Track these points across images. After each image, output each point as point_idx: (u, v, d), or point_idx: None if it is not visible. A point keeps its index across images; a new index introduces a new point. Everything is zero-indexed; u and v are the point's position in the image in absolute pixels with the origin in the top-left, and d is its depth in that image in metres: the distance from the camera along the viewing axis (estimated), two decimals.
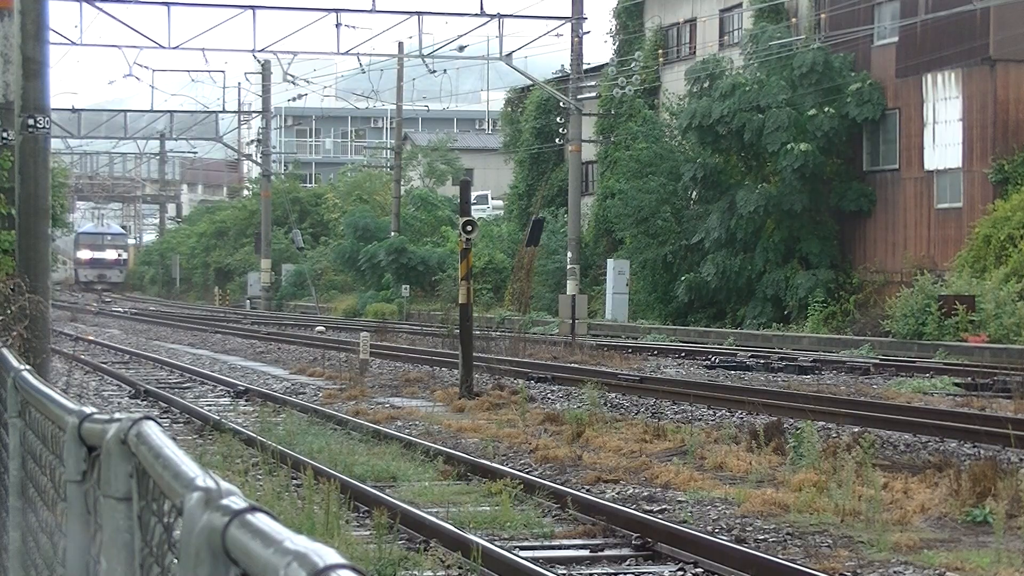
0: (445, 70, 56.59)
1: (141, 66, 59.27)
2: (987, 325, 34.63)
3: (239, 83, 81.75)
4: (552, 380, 27.23)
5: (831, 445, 16.21)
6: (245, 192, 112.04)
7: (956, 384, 25.55)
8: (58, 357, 28.32)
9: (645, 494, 14.53)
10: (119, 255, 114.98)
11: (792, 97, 44.26)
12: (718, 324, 45.84)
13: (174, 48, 48.43)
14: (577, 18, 51.40)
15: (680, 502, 13.97)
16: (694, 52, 54.20)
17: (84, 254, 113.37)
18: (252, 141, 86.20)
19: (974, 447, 17.28)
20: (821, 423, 18.91)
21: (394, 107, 72.93)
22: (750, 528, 12.67)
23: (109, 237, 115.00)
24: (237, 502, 2.28)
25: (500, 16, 49.48)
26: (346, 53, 50.55)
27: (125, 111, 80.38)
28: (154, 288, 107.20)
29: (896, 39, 43.55)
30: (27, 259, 16.18)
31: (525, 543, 12.07)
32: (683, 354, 34.76)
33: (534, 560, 10.81)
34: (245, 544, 2.15)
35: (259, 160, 79.25)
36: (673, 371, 30.02)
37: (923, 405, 21.85)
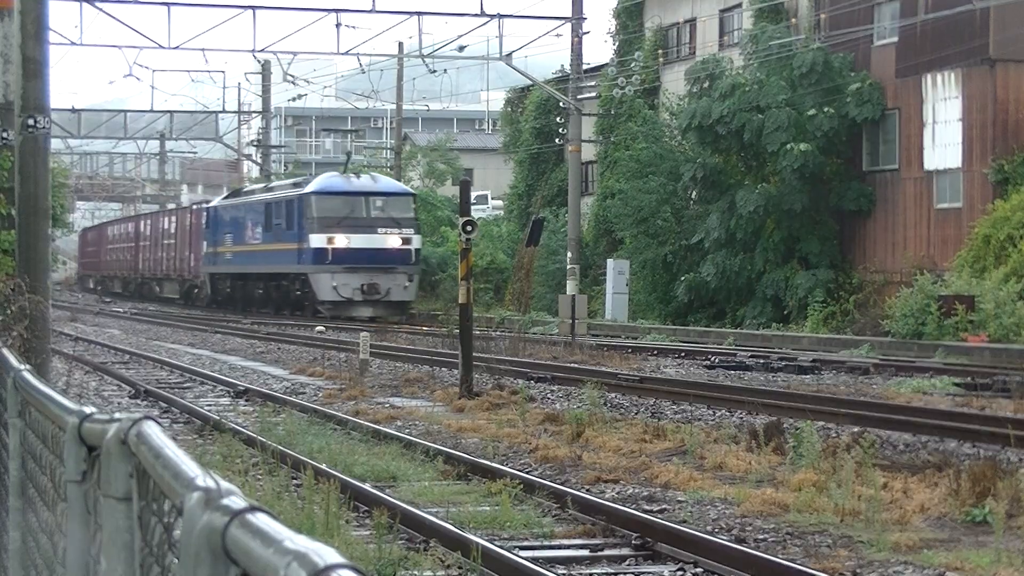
0: (445, 70, 56.61)
1: (141, 66, 59.55)
2: (987, 325, 34.64)
3: (239, 83, 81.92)
4: (552, 380, 27.22)
5: (831, 445, 16.22)
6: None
7: (956, 384, 25.54)
8: (58, 357, 28.32)
9: (645, 494, 14.53)
10: (404, 240, 54.70)
11: (792, 97, 44.27)
12: (718, 324, 45.84)
13: (174, 48, 48.48)
14: (577, 18, 51.41)
15: (680, 502, 13.97)
16: (694, 52, 54.21)
17: (338, 239, 53.81)
18: (252, 141, 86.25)
19: (974, 447, 17.28)
20: (821, 423, 18.92)
21: (394, 107, 72.95)
22: (750, 528, 12.67)
23: (380, 202, 55.28)
24: (237, 502, 2.29)
25: (500, 16, 49.52)
26: (346, 53, 50.59)
27: (125, 111, 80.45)
28: None
29: (896, 39, 43.55)
30: (27, 259, 16.20)
31: (525, 543, 12.07)
32: (683, 354, 34.75)
33: (534, 560, 10.81)
34: (245, 544, 2.15)
35: (259, 160, 79.26)
36: (673, 371, 30.02)
37: (923, 405, 21.84)
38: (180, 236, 72.17)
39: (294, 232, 55.57)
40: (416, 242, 55.51)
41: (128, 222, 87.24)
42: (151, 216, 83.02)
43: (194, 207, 73.14)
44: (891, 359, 31.60)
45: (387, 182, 58.44)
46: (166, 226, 75.91)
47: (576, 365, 30.60)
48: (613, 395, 23.90)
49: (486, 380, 26.46)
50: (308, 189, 55.89)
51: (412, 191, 60.21)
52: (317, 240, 54.06)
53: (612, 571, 11.26)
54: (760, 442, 16.68)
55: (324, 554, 1.95)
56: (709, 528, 12.60)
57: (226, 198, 67.92)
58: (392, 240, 54.45)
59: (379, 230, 54.42)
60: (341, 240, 53.92)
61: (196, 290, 70.20)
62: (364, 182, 56.18)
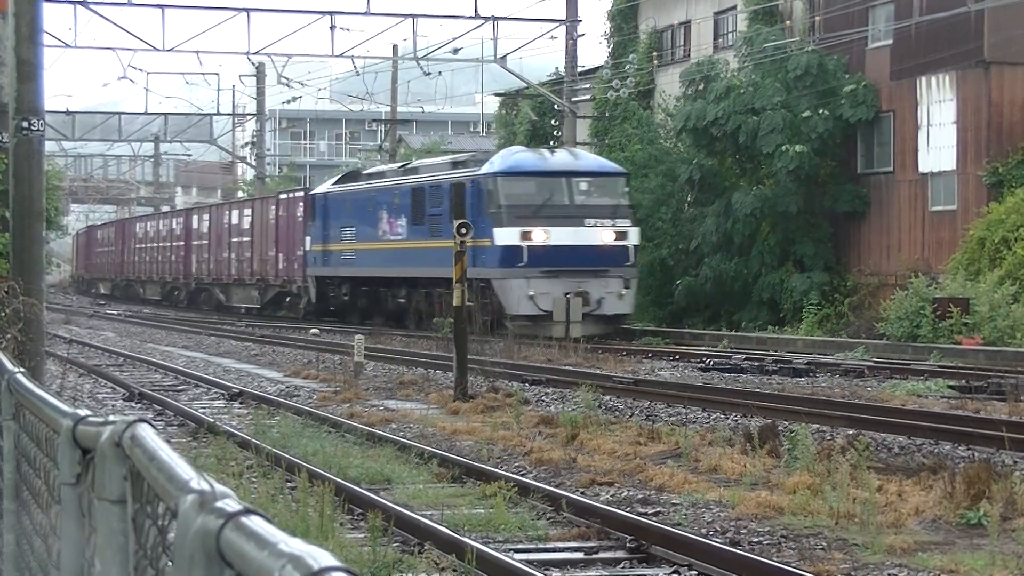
0: (440, 72, 56.65)
1: (135, 68, 59.41)
2: (981, 328, 34.65)
3: (233, 86, 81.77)
4: (546, 383, 27.20)
5: (825, 447, 16.22)
6: (240, 194, 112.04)
7: (950, 387, 25.55)
8: (52, 360, 28.29)
9: (639, 497, 14.52)
10: (619, 235, 41.84)
11: (786, 99, 44.27)
12: (714, 327, 45.80)
13: (168, 50, 48.51)
14: (572, 20, 51.41)
15: (674, 505, 13.97)
16: (689, 54, 54.22)
17: (535, 234, 40.35)
18: (246, 144, 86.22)
19: (968, 449, 17.28)
20: (815, 425, 18.91)
21: (388, 109, 72.96)
22: (744, 531, 12.67)
23: (585, 184, 42.52)
24: (232, 504, 2.28)
25: (495, 19, 49.54)
26: (340, 55, 50.59)
27: (119, 113, 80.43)
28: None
29: (890, 41, 43.57)
30: (21, 262, 16.19)
31: (519, 545, 12.07)
32: (677, 357, 34.76)
33: (528, 562, 10.81)
34: (240, 547, 2.15)
35: (254, 163, 79.27)
36: (667, 373, 30.02)
37: (917, 407, 21.84)
38: (261, 232, 58.81)
39: (489, 220, 41.17)
40: (633, 236, 42.27)
41: (173, 217, 75.75)
42: (211, 209, 70.41)
43: (282, 196, 58.98)
44: (886, 362, 31.60)
45: (591, 159, 45.10)
46: (235, 221, 63.06)
47: (571, 368, 30.60)
48: (608, 398, 23.88)
49: (481, 383, 26.46)
50: (490, 168, 41.98)
51: (624, 170, 44.98)
52: (506, 236, 40.45)
53: (606, 574, 11.26)
54: (755, 445, 16.68)
55: (319, 557, 1.95)
56: (704, 531, 12.59)
57: (338, 182, 53.39)
58: (605, 235, 41.32)
59: (587, 221, 41.21)
60: (539, 235, 40.40)
61: (289, 298, 56.72)
62: (562, 158, 43.01)
